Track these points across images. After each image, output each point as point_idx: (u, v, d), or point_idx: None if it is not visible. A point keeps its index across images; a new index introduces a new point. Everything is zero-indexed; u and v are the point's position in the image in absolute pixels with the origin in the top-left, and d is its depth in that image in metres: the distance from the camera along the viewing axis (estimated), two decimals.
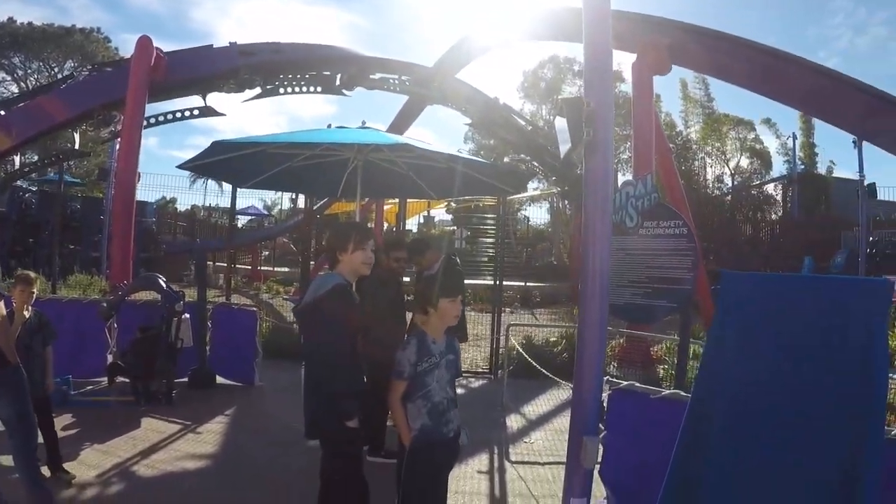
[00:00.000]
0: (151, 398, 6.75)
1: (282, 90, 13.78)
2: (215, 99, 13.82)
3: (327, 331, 3.21)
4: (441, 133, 75.22)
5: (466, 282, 15.50)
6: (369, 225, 16.11)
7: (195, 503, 4.57)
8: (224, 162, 5.79)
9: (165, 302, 6.96)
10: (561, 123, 3.39)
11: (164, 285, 7.01)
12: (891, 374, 8.09)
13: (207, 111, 13.78)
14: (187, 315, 7.11)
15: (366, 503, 3.41)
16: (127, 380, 6.81)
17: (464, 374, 8.81)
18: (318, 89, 13.96)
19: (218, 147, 5.38)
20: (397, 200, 14.34)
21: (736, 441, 3.16)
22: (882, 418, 2.92)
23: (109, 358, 6.95)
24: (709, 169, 30.69)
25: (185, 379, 7.52)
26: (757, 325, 3.11)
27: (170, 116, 14.24)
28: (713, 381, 3.19)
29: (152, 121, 14.12)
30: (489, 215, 21.91)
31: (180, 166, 5.81)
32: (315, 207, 20.10)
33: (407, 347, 3.36)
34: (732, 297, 3.14)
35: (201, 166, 5.98)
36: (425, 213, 26.50)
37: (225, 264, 20.94)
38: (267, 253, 25.73)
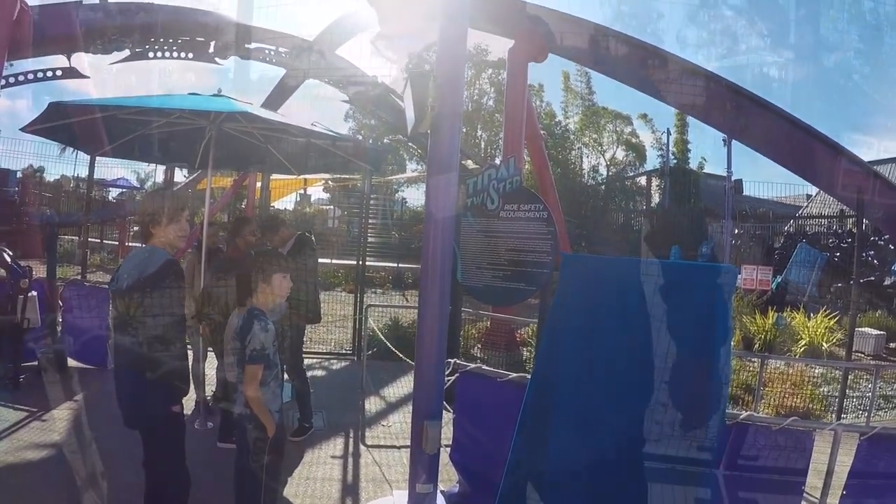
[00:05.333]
0: None
1: (151, 54, 12.88)
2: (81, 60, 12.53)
3: (160, 310, 2.96)
4: (322, 111, 73.57)
5: (337, 262, 15.40)
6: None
7: (37, 497, 4.17)
8: (72, 126, 5.21)
9: (9, 279, 6.35)
10: (409, 98, 3.26)
11: (7, 260, 6.38)
12: (749, 357, 8.72)
13: (71, 73, 12.59)
14: (34, 293, 6.58)
15: (186, 495, 3.21)
16: None
17: (326, 356, 8.68)
18: (191, 56, 13.15)
19: (57, 110, 4.83)
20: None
21: (575, 423, 3.17)
22: (722, 395, 2.96)
23: None
24: (585, 159, 31.76)
25: (35, 362, 6.91)
26: (595, 306, 3.12)
27: (30, 76, 13.00)
28: (552, 360, 3.18)
29: (11, 80, 12.77)
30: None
31: (23, 129, 5.27)
32: (186, 182, 19.06)
33: (268, 328, 3.13)
34: (571, 279, 3.14)
35: (49, 131, 5.39)
36: (301, 191, 25.74)
37: (97, 240, 19.44)
38: (137, 228, 24.05)
